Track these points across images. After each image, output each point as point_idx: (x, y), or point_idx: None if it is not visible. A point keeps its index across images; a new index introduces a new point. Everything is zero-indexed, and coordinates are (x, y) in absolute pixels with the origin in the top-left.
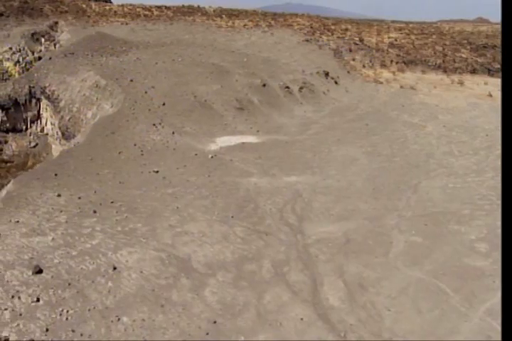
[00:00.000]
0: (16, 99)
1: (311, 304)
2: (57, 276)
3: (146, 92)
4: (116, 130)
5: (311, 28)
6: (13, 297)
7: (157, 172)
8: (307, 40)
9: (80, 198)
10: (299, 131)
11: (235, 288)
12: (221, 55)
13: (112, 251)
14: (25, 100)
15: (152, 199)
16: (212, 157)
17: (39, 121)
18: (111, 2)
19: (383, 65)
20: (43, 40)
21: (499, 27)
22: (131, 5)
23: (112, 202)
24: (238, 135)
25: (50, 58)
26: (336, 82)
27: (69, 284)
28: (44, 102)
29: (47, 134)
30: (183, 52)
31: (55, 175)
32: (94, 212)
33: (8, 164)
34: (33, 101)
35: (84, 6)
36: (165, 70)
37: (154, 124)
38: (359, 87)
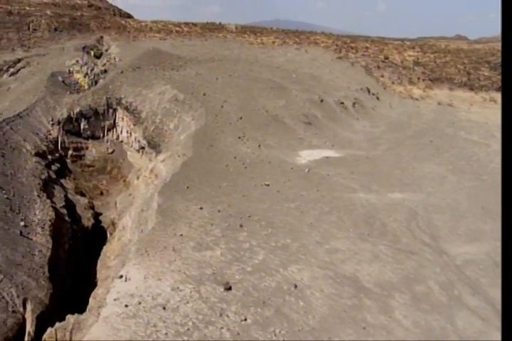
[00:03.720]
0: (96, 109)
1: None
2: (247, 293)
3: (222, 106)
4: (212, 143)
5: (336, 45)
6: (221, 315)
7: (268, 185)
8: (340, 58)
9: (219, 211)
10: (371, 147)
11: (420, 311)
12: (269, 71)
13: (282, 268)
14: (104, 110)
15: (281, 213)
16: (308, 171)
17: (115, 130)
18: (132, 17)
19: (411, 82)
20: (92, 53)
21: (494, 45)
22: (162, 21)
23: (249, 216)
24: (317, 149)
25: (122, 72)
26: (377, 98)
27: (263, 302)
28: (120, 112)
29: (122, 141)
30: (235, 67)
31: (187, 187)
32: (241, 226)
33: (91, 168)
34: (110, 111)
35: (123, 22)
36: (228, 85)
37: (240, 137)
38: (400, 103)
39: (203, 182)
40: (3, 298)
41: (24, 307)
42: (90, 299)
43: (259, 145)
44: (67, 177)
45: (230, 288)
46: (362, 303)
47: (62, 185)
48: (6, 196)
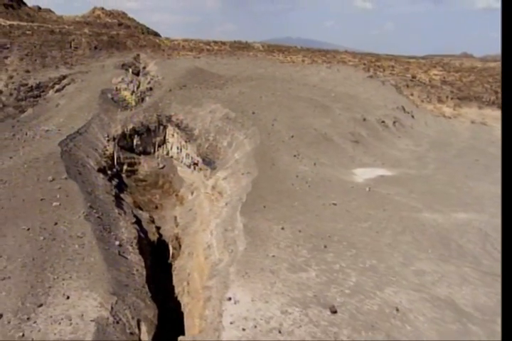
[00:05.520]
0: (148, 126)
1: None
2: (353, 317)
3: (272, 125)
4: (274, 162)
5: (364, 64)
6: (335, 339)
7: (335, 204)
8: (371, 77)
9: (300, 231)
10: (421, 166)
11: None
12: (308, 89)
13: (378, 290)
14: (155, 127)
15: (358, 233)
16: (369, 190)
17: (165, 146)
18: (160, 35)
19: (440, 101)
20: (130, 70)
21: None
22: (193, 40)
23: (329, 236)
24: (369, 167)
25: (170, 90)
26: (412, 116)
27: (372, 326)
28: (170, 129)
29: (172, 157)
30: (274, 86)
31: (264, 207)
32: (325, 246)
33: (143, 183)
34: (161, 127)
35: (157, 40)
36: (273, 104)
37: (295, 155)
38: (434, 121)
39: (276, 201)
40: (120, 319)
41: (139, 329)
42: (196, 320)
43: (315, 164)
44: (125, 192)
45: (335, 311)
46: (467, 328)
47: (124, 200)
48: (97, 215)
